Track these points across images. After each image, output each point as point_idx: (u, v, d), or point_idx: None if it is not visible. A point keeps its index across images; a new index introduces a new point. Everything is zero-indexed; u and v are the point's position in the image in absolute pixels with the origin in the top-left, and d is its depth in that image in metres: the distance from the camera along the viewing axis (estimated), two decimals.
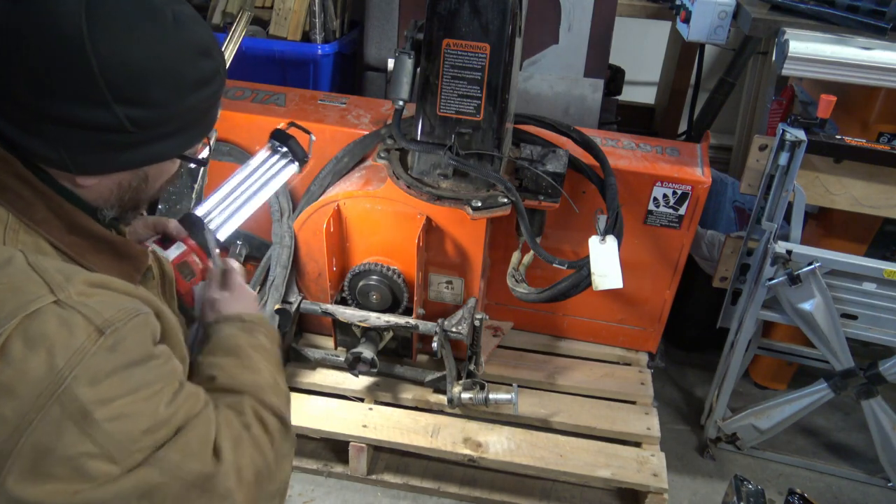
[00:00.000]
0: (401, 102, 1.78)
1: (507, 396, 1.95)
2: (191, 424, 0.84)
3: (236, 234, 1.58)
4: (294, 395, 1.60)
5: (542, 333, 2.35)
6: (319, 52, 2.51)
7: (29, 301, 0.76)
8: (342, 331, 2.05)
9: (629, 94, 3.30)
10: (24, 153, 0.83)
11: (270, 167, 1.52)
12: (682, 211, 2.01)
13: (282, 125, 1.57)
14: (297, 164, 1.54)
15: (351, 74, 2.76)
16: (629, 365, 2.29)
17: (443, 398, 2.02)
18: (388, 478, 2.08)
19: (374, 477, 2.08)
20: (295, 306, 1.99)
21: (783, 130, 1.81)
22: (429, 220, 1.89)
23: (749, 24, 1.80)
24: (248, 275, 2.28)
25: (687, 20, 1.93)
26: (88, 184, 0.87)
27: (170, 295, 1.08)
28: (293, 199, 2.15)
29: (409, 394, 2.10)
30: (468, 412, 2.06)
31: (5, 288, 0.77)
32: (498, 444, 1.98)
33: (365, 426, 2.02)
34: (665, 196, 1.99)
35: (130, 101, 0.81)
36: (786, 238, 1.92)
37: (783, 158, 1.81)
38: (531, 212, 1.83)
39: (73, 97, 0.79)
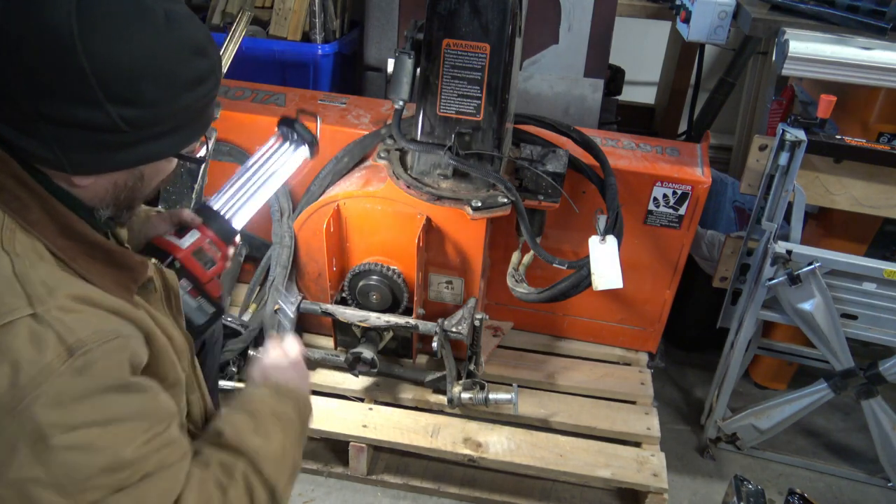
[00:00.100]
0: (401, 102, 1.79)
1: (507, 396, 1.95)
2: (159, 475, 0.80)
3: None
4: None
5: (542, 333, 2.35)
6: (319, 52, 2.51)
7: (4, 313, 0.74)
8: (342, 331, 2.05)
9: (629, 94, 3.30)
10: (21, 154, 0.83)
11: (281, 155, 1.47)
12: (682, 211, 2.01)
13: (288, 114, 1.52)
14: (307, 147, 1.48)
15: (351, 74, 2.76)
16: (629, 365, 2.29)
17: (443, 398, 2.02)
18: (388, 478, 2.08)
19: (374, 477, 2.08)
20: (295, 306, 1.99)
21: (783, 130, 1.81)
22: (429, 220, 1.89)
23: (749, 24, 1.81)
24: (248, 275, 2.29)
25: (687, 20, 1.93)
26: (84, 183, 0.87)
27: (177, 310, 1.05)
28: (293, 199, 2.15)
29: (409, 394, 2.10)
30: (468, 412, 2.06)
31: None
32: (498, 444, 1.98)
33: (365, 426, 2.02)
34: (665, 196, 1.99)
35: (124, 101, 0.80)
36: (786, 238, 1.92)
37: (783, 158, 1.81)
38: (531, 212, 1.83)
39: (66, 97, 0.78)
